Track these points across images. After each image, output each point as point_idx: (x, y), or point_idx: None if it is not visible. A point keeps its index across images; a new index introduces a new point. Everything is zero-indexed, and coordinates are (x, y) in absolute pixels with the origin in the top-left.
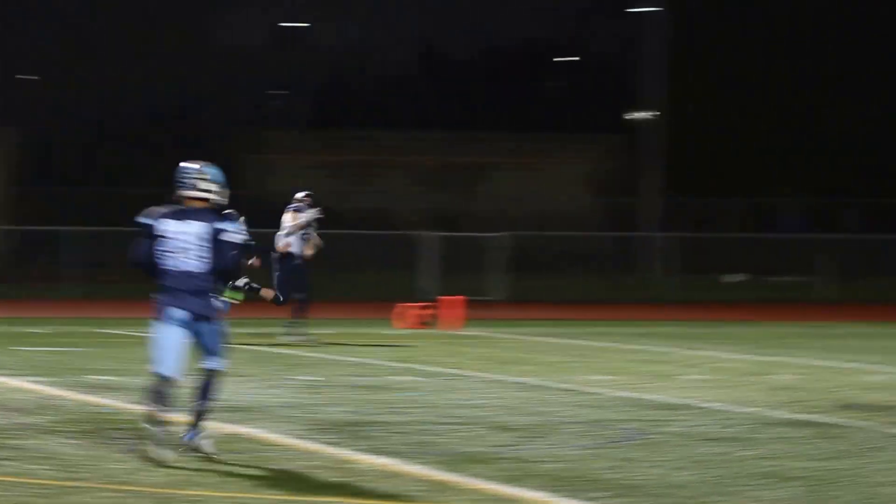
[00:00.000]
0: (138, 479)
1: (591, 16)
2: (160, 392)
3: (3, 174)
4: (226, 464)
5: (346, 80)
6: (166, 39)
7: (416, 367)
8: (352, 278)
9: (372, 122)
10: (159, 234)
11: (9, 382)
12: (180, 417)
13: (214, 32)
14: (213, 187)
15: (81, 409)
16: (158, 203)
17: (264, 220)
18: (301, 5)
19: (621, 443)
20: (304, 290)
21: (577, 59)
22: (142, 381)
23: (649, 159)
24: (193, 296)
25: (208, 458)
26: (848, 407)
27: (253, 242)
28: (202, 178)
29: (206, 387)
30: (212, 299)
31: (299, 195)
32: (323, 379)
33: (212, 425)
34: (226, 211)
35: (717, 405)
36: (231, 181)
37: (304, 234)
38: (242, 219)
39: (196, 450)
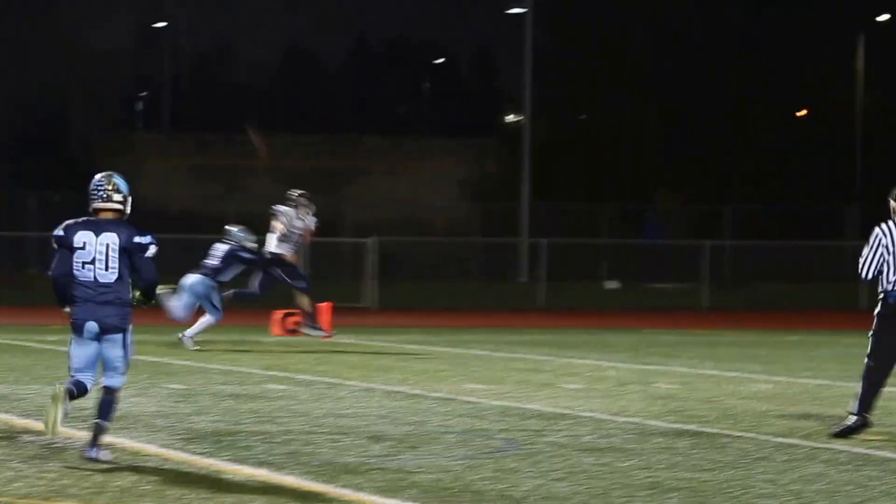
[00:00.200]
0: (2, 490)
1: (464, 17)
2: (72, 391)
3: None
4: (95, 473)
5: (212, 81)
6: (29, 42)
7: (289, 375)
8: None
9: (241, 124)
10: (75, 245)
11: None
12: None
13: (78, 34)
14: (124, 198)
15: None
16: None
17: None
18: (165, 5)
19: (500, 453)
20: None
21: (448, 60)
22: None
23: (522, 163)
24: (106, 307)
25: (77, 468)
26: (729, 416)
27: (258, 254)
28: (115, 190)
29: (107, 404)
30: (129, 310)
31: (295, 193)
32: (193, 387)
33: (82, 434)
34: (230, 226)
35: (596, 414)
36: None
37: (298, 240)
38: (252, 237)
39: (96, 460)
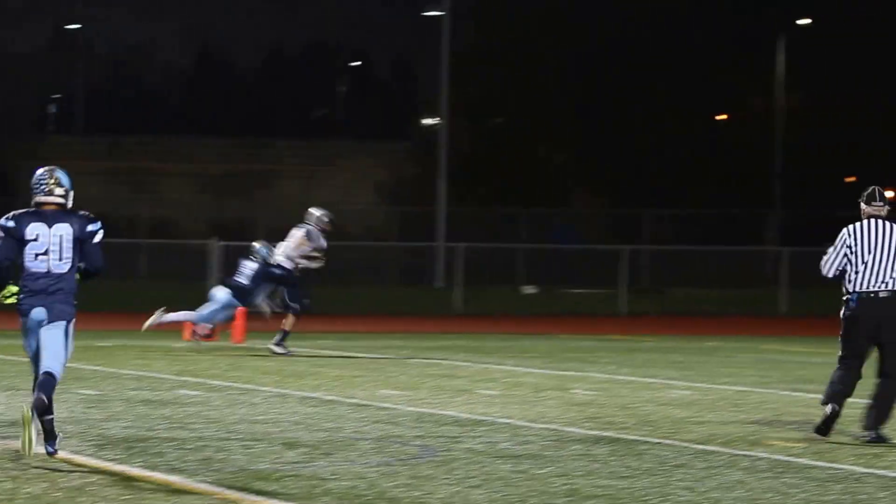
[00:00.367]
0: None
1: (381, 20)
2: (42, 401)
3: None
4: (6, 480)
5: (126, 84)
6: None
7: (202, 380)
8: (136, 289)
9: (154, 127)
10: (26, 237)
11: None
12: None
13: None
14: (66, 191)
15: None
16: None
17: None
18: (77, 8)
19: (415, 460)
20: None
21: (364, 63)
22: None
23: (439, 167)
24: (57, 296)
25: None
26: (647, 423)
27: (280, 269)
28: (57, 184)
29: (45, 391)
30: (75, 301)
31: (319, 215)
32: (105, 393)
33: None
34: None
35: (513, 421)
36: (8, 189)
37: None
38: (273, 249)
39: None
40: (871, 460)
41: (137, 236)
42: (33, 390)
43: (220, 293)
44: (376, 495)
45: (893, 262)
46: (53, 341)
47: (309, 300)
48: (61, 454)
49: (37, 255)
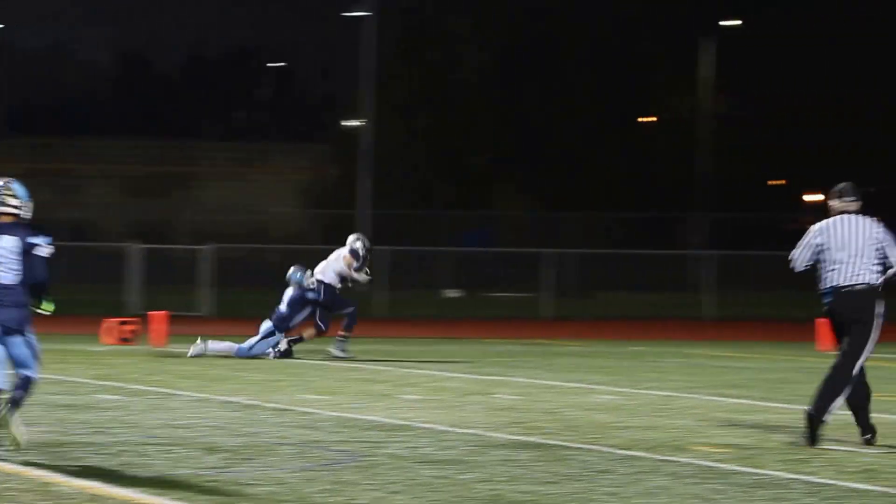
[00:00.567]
0: None
1: (303, 21)
2: (15, 400)
3: None
4: None
5: (47, 85)
6: None
7: (121, 385)
8: (56, 292)
9: (76, 128)
10: None
11: None
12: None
13: None
14: (21, 203)
15: None
16: None
17: None
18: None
19: (337, 465)
20: (351, 305)
21: (286, 65)
22: None
23: (361, 169)
24: (8, 308)
25: None
26: (571, 428)
27: (315, 292)
28: (10, 195)
29: (23, 388)
30: (28, 311)
31: (364, 242)
32: None
33: None
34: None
35: (436, 426)
36: None
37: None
38: (308, 272)
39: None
40: (797, 465)
41: (58, 239)
42: None
43: (264, 325)
44: (297, 501)
45: (863, 257)
46: (19, 354)
47: (354, 308)
48: None
49: None
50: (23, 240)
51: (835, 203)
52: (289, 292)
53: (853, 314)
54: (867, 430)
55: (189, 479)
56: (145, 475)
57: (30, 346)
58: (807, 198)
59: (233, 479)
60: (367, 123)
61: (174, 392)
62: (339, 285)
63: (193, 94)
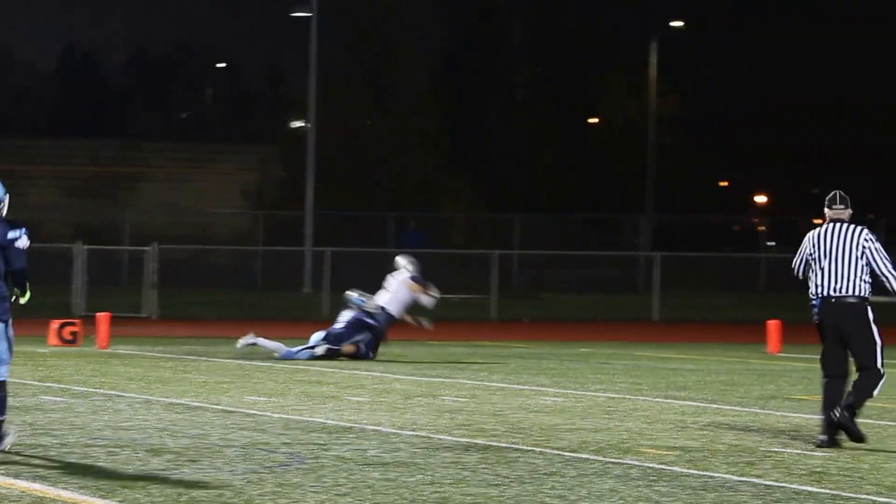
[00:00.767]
0: None
1: (248, 22)
2: None
3: None
4: None
5: None
6: None
7: (66, 386)
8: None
9: (19, 129)
10: None
11: None
12: None
13: None
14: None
15: None
16: None
17: None
18: None
19: (282, 467)
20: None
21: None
22: None
23: (306, 171)
24: None
25: None
26: (518, 430)
27: (374, 319)
28: None
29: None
30: (7, 304)
31: (414, 266)
32: None
33: None
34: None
35: (382, 428)
36: None
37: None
38: (369, 297)
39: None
40: (745, 468)
41: None
42: None
43: (316, 335)
44: (243, 503)
45: (849, 265)
46: None
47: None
48: None
49: None
50: (2, 234)
51: (826, 211)
52: (347, 313)
53: (846, 327)
54: (829, 432)
55: (134, 480)
56: (90, 477)
57: (7, 339)
58: (756, 199)
59: (178, 480)
60: (311, 124)
61: (119, 394)
62: (400, 317)
63: (138, 93)
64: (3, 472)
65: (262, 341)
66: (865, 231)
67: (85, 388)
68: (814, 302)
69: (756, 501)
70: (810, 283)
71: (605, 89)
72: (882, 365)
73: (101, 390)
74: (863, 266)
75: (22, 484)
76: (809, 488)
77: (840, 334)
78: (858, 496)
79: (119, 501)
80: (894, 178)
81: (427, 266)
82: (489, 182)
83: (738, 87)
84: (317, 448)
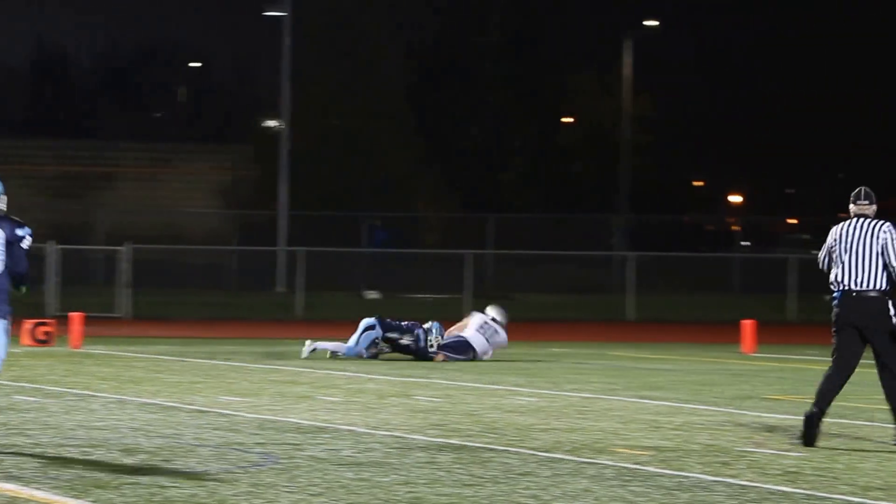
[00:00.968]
0: None
1: (221, 20)
2: None
3: None
4: None
5: None
6: None
7: (39, 386)
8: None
9: None
10: None
11: None
12: None
13: None
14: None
15: None
16: None
17: None
18: None
19: (256, 467)
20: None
21: (204, 64)
22: None
23: (280, 170)
24: None
25: None
26: (492, 430)
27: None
28: None
29: None
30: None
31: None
32: None
33: None
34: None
35: (356, 428)
36: None
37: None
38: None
39: None
40: (720, 468)
41: None
42: None
43: (366, 321)
44: (217, 503)
45: (869, 260)
46: None
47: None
48: None
49: None
50: (10, 231)
51: (851, 207)
52: (420, 332)
53: (867, 322)
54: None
55: (107, 481)
56: (64, 477)
57: (6, 334)
58: (730, 199)
59: (152, 480)
60: (284, 123)
61: (92, 394)
62: (480, 350)
63: (109, 92)
64: None
65: (321, 344)
66: (887, 224)
67: (58, 388)
68: (834, 294)
69: (730, 501)
70: (831, 276)
71: (578, 88)
72: None
73: (75, 390)
74: (883, 261)
75: None
76: (784, 488)
77: (859, 329)
78: (833, 496)
79: (92, 501)
80: (868, 178)
81: (401, 266)
82: (463, 182)
83: (712, 86)
84: (291, 448)
